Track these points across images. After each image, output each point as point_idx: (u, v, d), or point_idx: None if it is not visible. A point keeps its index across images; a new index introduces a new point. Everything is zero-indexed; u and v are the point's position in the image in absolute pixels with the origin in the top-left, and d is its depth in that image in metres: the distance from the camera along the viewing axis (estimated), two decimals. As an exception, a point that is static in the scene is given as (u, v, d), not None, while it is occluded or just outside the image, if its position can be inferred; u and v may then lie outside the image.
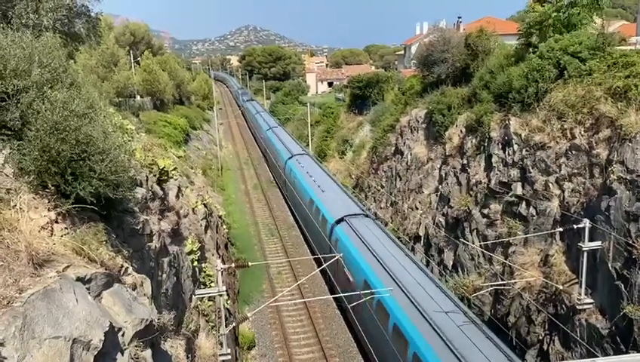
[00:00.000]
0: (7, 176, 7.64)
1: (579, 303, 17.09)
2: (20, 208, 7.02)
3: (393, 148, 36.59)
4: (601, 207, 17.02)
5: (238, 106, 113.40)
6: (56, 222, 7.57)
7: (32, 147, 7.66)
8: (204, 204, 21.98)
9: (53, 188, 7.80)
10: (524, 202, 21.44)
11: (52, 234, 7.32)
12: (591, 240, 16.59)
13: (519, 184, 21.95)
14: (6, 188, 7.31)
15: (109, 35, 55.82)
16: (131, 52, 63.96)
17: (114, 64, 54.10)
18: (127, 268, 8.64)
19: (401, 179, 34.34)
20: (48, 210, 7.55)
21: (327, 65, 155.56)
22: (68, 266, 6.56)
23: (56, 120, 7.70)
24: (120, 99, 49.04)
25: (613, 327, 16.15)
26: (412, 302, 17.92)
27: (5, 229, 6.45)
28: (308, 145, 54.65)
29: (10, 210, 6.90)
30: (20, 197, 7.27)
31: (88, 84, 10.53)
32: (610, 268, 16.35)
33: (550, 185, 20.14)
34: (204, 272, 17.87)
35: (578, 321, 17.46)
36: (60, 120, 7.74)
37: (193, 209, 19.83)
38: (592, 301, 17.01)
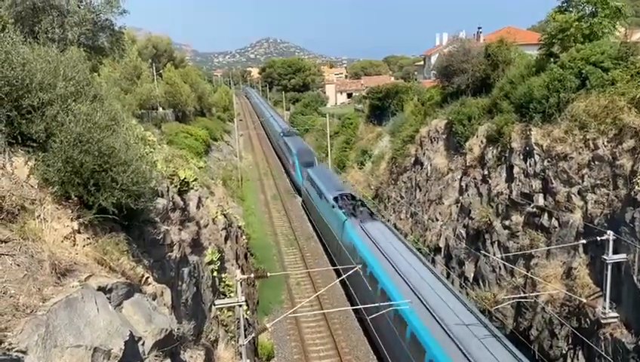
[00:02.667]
0: (32, 186, 7.80)
1: (603, 317, 16.78)
2: (44, 218, 7.16)
3: (413, 159, 36.43)
4: (625, 218, 16.69)
5: (288, 175, 58.46)
6: (79, 232, 7.70)
7: (56, 158, 7.82)
8: (224, 215, 22.13)
9: (76, 198, 7.93)
10: (546, 213, 21.14)
11: (75, 244, 7.44)
12: (615, 252, 16.30)
13: (541, 195, 21.66)
14: (31, 198, 7.46)
15: (132, 48, 56.67)
16: (154, 65, 64.94)
17: (137, 77, 54.95)
18: (148, 277, 8.73)
19: (420, 190, 34.15)
20: (71, 220, 7.68)
21: (346, 76, 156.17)
22: (90, 276, 6.66)
23: (79, 132, 7.86)
24: (142, 111, 49.77)
25: (639, 342, 15.77)
26: None
27: (30, 239, 6.57)
28: (327, 155, 54.73)
29: (34, 220, 7.04)
30: (44, 207, 7.42)
31: (111, 96, 10.73)
32: (636, 281, 15.98)
33: (573, 196, 19.83)
34: (224, 282, 17.95)
35: (603, 335, 17.08)
36: (84, 132, 7.90)
37: (213, 219, 19.97)
38: (616, 315, 16.67)
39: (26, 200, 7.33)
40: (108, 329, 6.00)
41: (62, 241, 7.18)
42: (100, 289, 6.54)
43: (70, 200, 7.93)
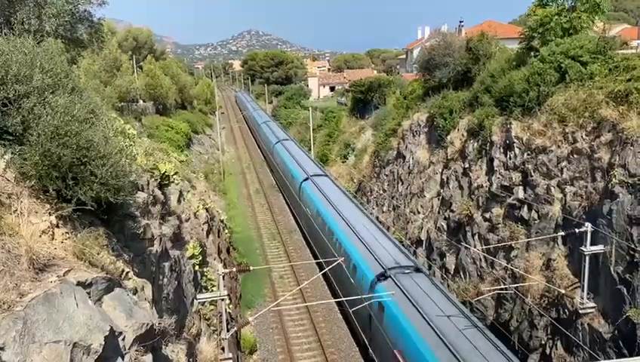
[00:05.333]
0: (9, 180, 7.67)
1: (581, 307, 17.09)
2: (21, 213, 7.04)
3: (395, 153, 36.58)
4: (603, 210, 16.99)
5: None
6: (57, 226, 7.59)
7: (34, 152, 7.69)
8: (206, 209, 21.97)
9: (54, 192, 7.81)
10: (525, 206, 21.40)
11: (53, 239, 7.34)
12: (593, 244, 16.59)
13: (521, 188, 21.92)
14: (7, 192, 7.33)
15: (111, 40, 55.87)
16: (134, 57, 64.09)
17: (117, 69, 54.18)
18: (128, 272, 8.65)
19: (402, 183, 34.33)
20: (49, 214, 7.57)
21: (329, 69, 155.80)
22: (69, 270, 6.58)
23: (57, 125, 7.74)
24: (123, 103, 49.12)
25: (616, 331, 16.10)
26: None
27: (6, 234, 6.47)
28: (310, 149, 54.66)
29: (11, 214, 6.92)
30: (21, 201, 7.30)
31: (90, 89, 10.59)
32: (613, 271, 16.30)
33: (552, 188, 20.10)
34: (206, 276, 17.87)
35: (581, 325, 17.41)
36: (61, 125, 7.77)
37: (195, 213, 19.82)
38: (594, 305, 16.99)
39: (2, 194, 7.21)
40: (87, 325, 5.94)
41: (40, 236, 7.07)
42: (79, 284, 6.46)
43: (48, 194, 7.81)
